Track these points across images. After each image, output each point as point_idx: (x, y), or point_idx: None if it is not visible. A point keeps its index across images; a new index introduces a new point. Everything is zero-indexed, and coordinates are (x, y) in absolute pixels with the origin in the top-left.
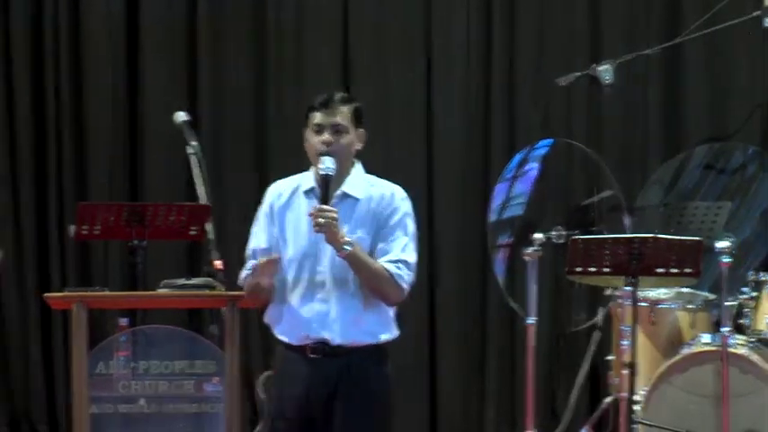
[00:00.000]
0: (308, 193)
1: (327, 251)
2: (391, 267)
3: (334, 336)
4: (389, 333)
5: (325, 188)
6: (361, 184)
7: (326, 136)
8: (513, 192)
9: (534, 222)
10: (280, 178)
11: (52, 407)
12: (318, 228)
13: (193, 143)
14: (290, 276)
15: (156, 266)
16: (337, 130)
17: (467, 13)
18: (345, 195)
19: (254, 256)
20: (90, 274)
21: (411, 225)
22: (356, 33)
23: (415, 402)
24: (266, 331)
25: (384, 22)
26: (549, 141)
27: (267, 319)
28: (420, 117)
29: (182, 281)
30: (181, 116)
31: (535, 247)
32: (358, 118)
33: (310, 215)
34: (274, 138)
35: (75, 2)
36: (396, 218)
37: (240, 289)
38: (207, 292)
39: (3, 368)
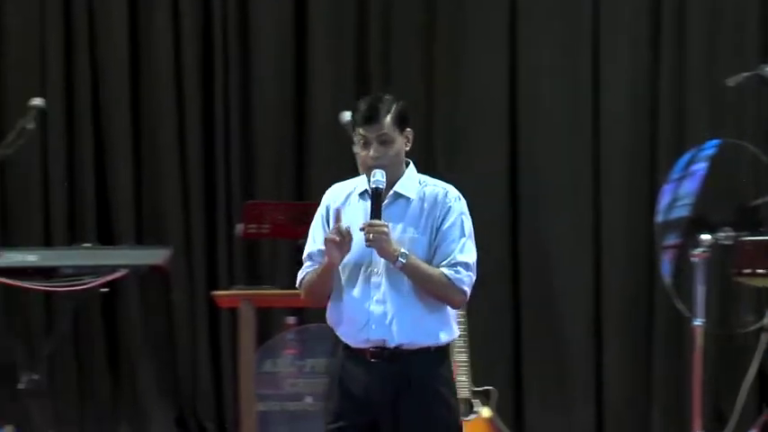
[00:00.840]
0: (363, 194)
1: None
2: (449, 272)
3: (392, 337)
4: (449, 333)
5: (376, 202)
6: (413, 184)
7: (374, 151)
8: (680, 192)
9: (702, 223)
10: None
11: (219, 404)
12: (369, 243)
13: None
14: (346, 279)
15: None
16: (383, 141)
17: (635, 10)
18: (398, 195)
19: (310, 259)
20: (257, 272)
21: (467, 224)
22: (526, 30)
23: (582, 403)
24: None
25: (550, 18)
26: (716, 142)
27: (328, 320)
28: (586, 116)
29: None
30: (347, 116)
31: (703, 249)
32: (402, 120)
33: (361, 230)
34: (441, 138)
35: (244, 2)
36: (451, 218)
37: None
38: None
39: (171, 366)
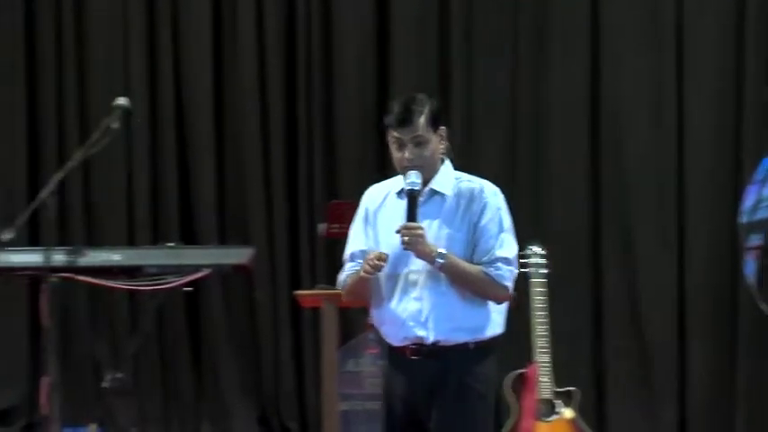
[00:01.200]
0: (400, 194)
1: None
2: (490, 269)
3: (429, 334)
4: (493, 329)
5: (411, 204)
6: (449, 180)
7: (409, 152)
8: (764, 193)
9: None
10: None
11: (302, 404)
12: (406, 245)
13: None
14: (384, 277)
15: None
16: (418, 142)
17: (716, 10)
18: (434, 192)
19: (351, 259)
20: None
21: (506, 218)
22: (607, 27)
23: (665, 404)
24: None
25: (633, 13)
26: None
27: (372, 320)
28: (670, 116)
29: None
30: None
31: None
32: (435, 120)
33: (397, 232)
34: (524, 139)
35: (327, 3)
36: (488, 214)
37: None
38: None
39: (254, 365)
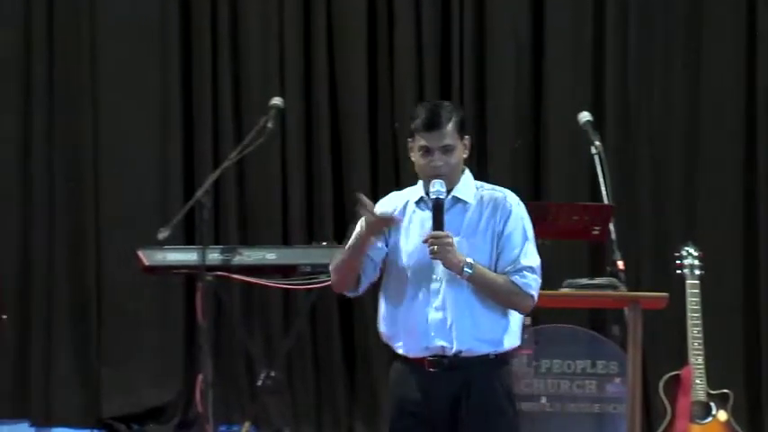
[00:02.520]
0: (419, 203)
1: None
2: (516, 278)
3: (452, 345)
4: (512, 341)
5: (438, 213)
6: (470, 189)
7: (436, 160)
8: None
9: None
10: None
11: None
12: (434, 255)
13: (597, 143)
14: (405, 286)
15: (558, 266)
16: (446, 150)
17: None
18: (456, 200)
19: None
20: None
21: (529, 228)
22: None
23: None
24: (669, 333)
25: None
26: None
27: (382, 332)
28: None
29: (585, 280)
30: (585, 116)
31: None
32: (462, 128)
33: (424, 242)
34: (677, 141)
35: (480, 7)
36: (512, 223)
37: (645, 289)
38: (610, 292)
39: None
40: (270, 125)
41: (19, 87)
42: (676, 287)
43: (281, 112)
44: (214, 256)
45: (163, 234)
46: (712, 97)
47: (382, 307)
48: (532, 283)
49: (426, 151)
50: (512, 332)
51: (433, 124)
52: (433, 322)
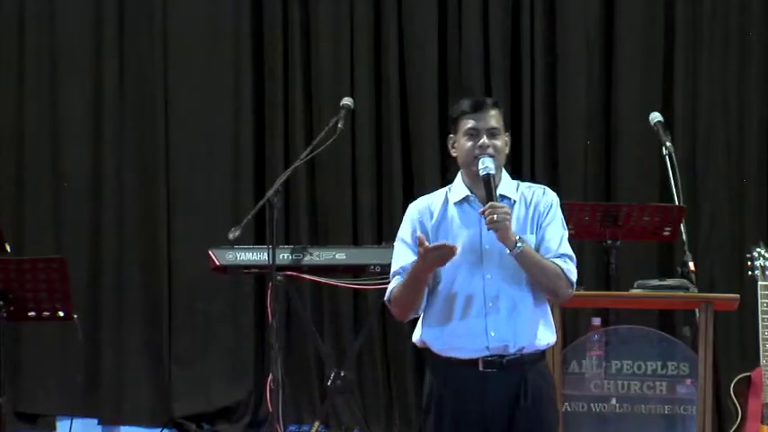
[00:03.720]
0: (461, 203)
1: (493, 258)
2: (560, 263)
3: (508, 344)
4: (551, 336)
5: (490, 187)
6: (512, 186)
7: (484, 139)
8: None
9: None
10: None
11: None
12: (492, 224)
13: (668, 144)
14: (456, 289)
15: (628, 266)
16: (492, 132)
17: None
18: (502, 197)
19: (403, 271)
20: None
21: (564, 223)
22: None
23: None
24: (740, 335)
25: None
26: None
27: (424, 335)
28: None
29: (656, 281)
30: (656, 116)
31: None
32: (506, 122)
33: (482, 213)
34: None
35: (551, 7)
36: (551, 213)
37: (717, 291)
38: (681, 293)
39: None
40: (340, 125)
41: (91, 90)
42: (749, 288)
43: (352, 113)
44: (284, 256)
45: (234, 234)
46: None
47: (428, 313)
48: (573, 270)
49: (473, 135)
50: (552, 328)
51: (480, 105)
52: (487, 323)
